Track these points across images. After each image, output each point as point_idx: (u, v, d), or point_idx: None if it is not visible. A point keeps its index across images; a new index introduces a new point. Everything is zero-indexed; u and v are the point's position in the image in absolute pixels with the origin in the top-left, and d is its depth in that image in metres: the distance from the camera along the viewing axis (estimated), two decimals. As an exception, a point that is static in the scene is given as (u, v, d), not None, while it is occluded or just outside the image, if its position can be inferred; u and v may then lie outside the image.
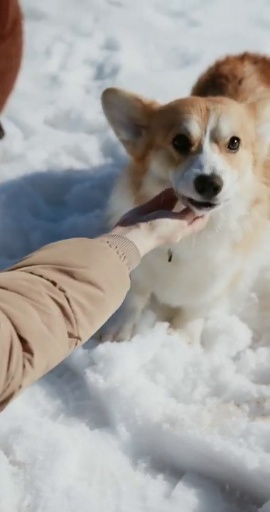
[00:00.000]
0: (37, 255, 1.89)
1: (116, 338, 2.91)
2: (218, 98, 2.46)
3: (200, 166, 2.15)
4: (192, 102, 2.34)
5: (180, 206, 2.30)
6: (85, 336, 1.84)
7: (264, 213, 2.57)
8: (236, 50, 3.47)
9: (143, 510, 2.30)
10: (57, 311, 1.75)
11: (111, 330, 2.91)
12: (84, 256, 1.89)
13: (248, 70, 3.21)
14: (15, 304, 1.68)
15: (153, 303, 3.05)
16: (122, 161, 3.71)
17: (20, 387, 1.66)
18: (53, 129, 4.48)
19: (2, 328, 1.59)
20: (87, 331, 1.84)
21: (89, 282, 1.84)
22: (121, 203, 2.61)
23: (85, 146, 4.19)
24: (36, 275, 1.78)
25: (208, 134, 2.25)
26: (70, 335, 1.78)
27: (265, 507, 2.27)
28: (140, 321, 2.99)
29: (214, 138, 2.25)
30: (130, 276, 2.01)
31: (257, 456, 2.36)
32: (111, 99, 2.44)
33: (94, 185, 3.82)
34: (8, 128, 4.32)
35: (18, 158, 4.07)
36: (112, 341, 2.86)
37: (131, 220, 2.15)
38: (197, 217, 2.27)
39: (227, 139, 2.27)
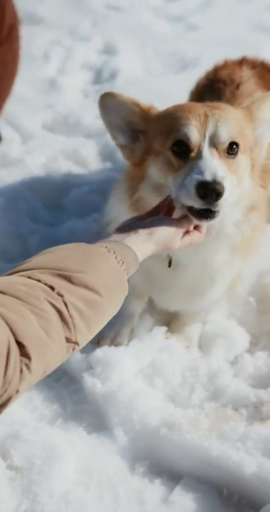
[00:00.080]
0: (35, 260, 1.89)
1: (114, 342, 2.91)
2: (216, 104, 2.46)
3: (201, 172, 2.16)
4: (190, 107, 2.35)
5: (178, 214, 2.31)
6: (83, 341, 1.84)
7: (262, 217, 2.58)
8: (234, 55, 3.48)
9: (140, 515, 2.30)
10: (55, 315, 1.74)
11: (109, 334, 2.91)
12: (82, 261, 1.89)
13: (246, 74, 3.21)
14: (13, 308, 1.67)
15: (151, 307, 3.05)
16: (120, 166, 3.72)
17: (17, 392, 1.66)
18: (51, 134, 4.48)
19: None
20: (85, 336, 1.84)
21: (87, 287, 1.84)
22: (119, 209, 2.61)
23: (83, 151, 4.19)
24: (34, 280, 1.78)
25: (207, 139, 2.25)
26: (68, 340, 1.78)
27: (263, 511, 2.27)
28: (138, 326, 2.99)
29: (213, 143, 2.25)
30: (128, 281, 2.01)
31: (255, 461, 2.36)
32: (108, 103, 2.44)
33: (93, 189, 3.83)
34: (6, 132, 4.33)
35: (17, 163, 4.08)
36: (110, 345, 2.86)
37: (129, 226, 2.15)
38: (196, 226, 2.28)
39: (226, 145, 2.27)
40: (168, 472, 2.45)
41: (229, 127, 2.28)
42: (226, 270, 2.71)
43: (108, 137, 2.53)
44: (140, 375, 2.77)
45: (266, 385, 2.75)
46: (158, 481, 2.41)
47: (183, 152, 2.27)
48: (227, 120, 2.29)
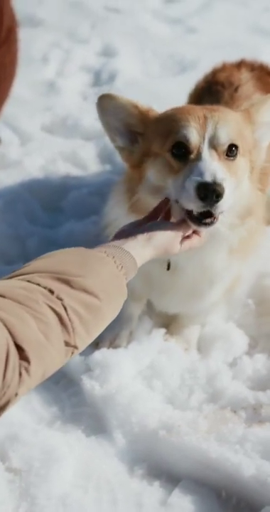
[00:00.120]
0: (34, 264, 1.89)
1: (113, 344, 2.91)
2: (215, 107, 2.46)
3: (201, 174, 2.15)
4: (189, 110, 2.36)
5: (176, 216, 2.31)
6: (82, 345, 1.84)
7: (260, 220, 2.58)
8: (233, 57, 3.48)
9: (139, 517, 2.30)
10: (54, 319, 1.74)
11: (108, 336, 2.91)
12: (81, 265, 1.89)
13: (244, 77, 3.21)
14: (13, 312, 1.68)
15: (150, 309, 3.05)
16: (119, 168, 3.72)
17: (16, 395, 1.66)
18: (50, 136, 4.49)
19: (-2, 336, 1.59)
20: (84, 339, 1.84)
21: (86, 291, 1.84)
22: (118, 211, 2.61)
23: (82, 153, 4.19)
24: (34, 283, 1.78)
25: (207, 141, 2.25)
26: (67, 343, 1.78)
27: (261, 514, 2.28)
28: (137, 328, 2.99)
29: (213, 145, 2.25)
30: (127, 284, 2.01)
31: (253, 463, 2.36)
32: (106, 105, 2.43)
33: (91, 191, 3.83)
34: (5, 134, 4.33)
35: (15, 165, 4.08)
36: (109, 348, 2.86)
37: (128, 231, 2.16)
38: (195, 230, 2.28)
39: (225, 146, 2.27)
40: (167, 474, 2.44)
41: (229, 129, 2.28)
42: (224, 273, 2.71)
43: (107, 139, 2.53)
44: (139, 377, 2.77)
45: (265, 387, 2.75)
46: (156, 484, 2.41)
47: (182, 154, 2.27)
48: (227, 122, 2.29)
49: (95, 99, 2.46)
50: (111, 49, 5.60)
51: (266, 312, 3.12)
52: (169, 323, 3.04)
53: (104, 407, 2.61)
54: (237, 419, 2.60)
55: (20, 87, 4.32)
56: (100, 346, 2.86)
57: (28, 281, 1.79)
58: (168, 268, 2.51)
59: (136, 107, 2.44)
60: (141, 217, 2.34)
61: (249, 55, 3.53)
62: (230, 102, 3.00)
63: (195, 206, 2.18)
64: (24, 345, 1.64)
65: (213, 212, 2.18)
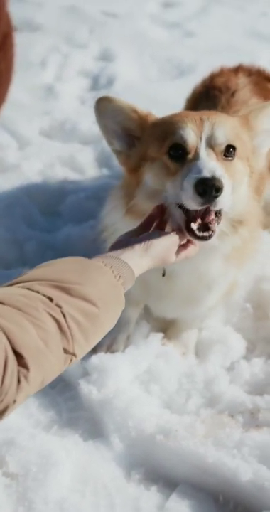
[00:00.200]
0: (33, 273, 1.90)
1: (110, 349, 2.91)
2: (211, 112, 2.47)
3: (199, 171, 2.15)
4: (186, 113, 2.38)
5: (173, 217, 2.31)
6: (80, 353, 1.85)
7: (254, 227, 2.57)
8: (231, 62, 3.49)
9: (136, 522, 2.29)
10: (53, 326, 1.75)
11: (105, 341, 2.91)
12: (79, 273, 1.90)
13: (242, 82, 3.22)
14: (12, 318, 1.68)
15: (147, 314, 3.05)
16: (117, 172, 3.73)
17: (14, 402, 1.66)
18: (48, 140, 4.49)
19: (-4, 343, 1.59)
20: (83, 347, 1.85)
21: (85, 299, 1.85)
22: (115, 216, 2.61)
23: (80, 157, 4.20)
24: (33, 291, 1.79)
25: (204, 141, 2.25)
26: (66, 351, 1.79)
27: (258, 518, 2.28)
28: (134, 332, 2.99)
29: (210, 145, 2.26)
30: (125, 294, 2.02)
31: (251, 468, 2.36)
32: (104, 107, 2.44)
33: (89, 195, 3.83)
34: (3, 138, 4.34)
35: (13, 169, 4.08)
36: (106, 352, 2.86)
37: (125, 242, 2.17)
38: (190, 240, 2.28)
39: (223, 147, 2.28)
40: (164, 479, 2.44)
41: (226, 130, 2.29)
42: (221, 279, 2.70)
43: (104, 144, 2.54)
44: (136, 381, 2.77)
45: (263, 391, 2.75)
46: (153, 488, 2.40)
47: (180, 156, 2.27)
48: (223, 123, 2.30)
49: (93, 104, 2.47)
50: (109, 53, 5.61)
51: (263, 316, 3.12)
52: (166, 327, 3.04)
53: (101, 411, 2.60)
54: (235, 423, 2.60)
55: (18, 91, 4.33)
56: (97, 350, 2.86)
57: (28, 288, 1.80)
58: (164, 275, 2.51)
59: (135, 111, 2.44)
60: (137, 221, 2.34)
61: (246, 60, 3.55)
62: (227, 107, 3.01)
63: (194, 203, 2.16)
64: (23, 352, 1.65)
65: (213, 208, 2.17)
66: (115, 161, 2.65)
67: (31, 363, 1.66)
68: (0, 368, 1.59)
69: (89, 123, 4.45)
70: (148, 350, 2.86)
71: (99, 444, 2.53)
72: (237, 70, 3.35)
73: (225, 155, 2.28)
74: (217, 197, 2.13)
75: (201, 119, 2.29)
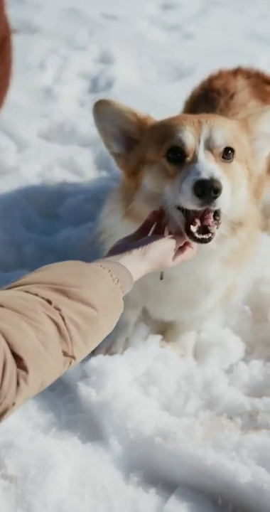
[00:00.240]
0: (32, 276, 1.91)
1: (109, 351, 2.91)
2: (210, 114, 2.47)
3: (198, 173, 2.16)
4: (184, 116, 2.38)
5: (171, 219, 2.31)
6: (80, 356, 1.85)
7: (253, 230, 2.57)
8: (230, 64, 3.50)
9: (135, 525, 2.29)
10: (52, 329, 1.75)
11: (104, 343, 2.90)
12: (78, 277, 1.91)
13: (240, 84, 3.22)
14: (11, 321, 1.68)
15: (146, 316, 3.05)
16: (116, 174, 3.73)
17: (13, 404, 1.66)
18: (47, 142, 4.49)
19: (-5, 345, 1.59)
20: (82, 350, 1.85)
21: (84, 302, 1.85)
22: (113, 219, 2.61)
23: (79, 159, 4.20)
24: (32, 294, 1.79)
25: (202, 143, 2.26)
26: (65, 353, 1.78)
27: (257, 521, 2.28)
28: (133, 334, 2.99)
29: (209, 147, 2.26)
30: (123, 297, 2.03)
31: (250, 470, 2.35)
32: (103, 110, 2.44)
33: (88, 198, 3.83)
34: (1, 141, 4.33)
35: (12, 171, 4.08)
36: (105, 354, 2.86)
37: (123, 246, 2.17)
38: (187, 243, 2.29)
39: (221, 149, 2.28)
40: (163, 481, 2.44)
41: (224, 132, 2.29)
42: (219, 281, 2.70)
43: (103, 146, 2.54)
44: (135, 383, 2.77)
45: (261, 393, 2.75)
46: (152, 491, 2.40)
47: (178, 158, 2.27)
48: (222, 126, 2.31)
49: (92, 106, 2.47)
50: (108, 56, 5.62)
51: (262, 318, 3.12)
52: (165, 329, 3.04)
53: (100, 413, 2.60)
54: (233, 425, 2.60)
55: (17, 93, 4.33)
56: (96, 353, 2.86)
57: (26, 291, 1.80)
58: (162, 277, 2.51)
59: (134, 114, 2.44)
60: (136, 224, 2.34)
61: (245, 62, 3.56)
62: (226, 110, 3.01)
63: (193, 204, 2.17)
64: (22, 354, 1.65)
65: (212, 209, 2.18)
66: (114, 164, 2.65)
67: (30, 365, 1.66)
68: (-2, 371, 1.59)
69: (88, 125, 4.46)
70: (146, 353, 2.86)
71: (98, 447, 2.53)
72: (236, 72, 3.36)
73: (224, 157, 2.29)
74: (215, 198, 2.13)
75: (199, 122, 2.30)
